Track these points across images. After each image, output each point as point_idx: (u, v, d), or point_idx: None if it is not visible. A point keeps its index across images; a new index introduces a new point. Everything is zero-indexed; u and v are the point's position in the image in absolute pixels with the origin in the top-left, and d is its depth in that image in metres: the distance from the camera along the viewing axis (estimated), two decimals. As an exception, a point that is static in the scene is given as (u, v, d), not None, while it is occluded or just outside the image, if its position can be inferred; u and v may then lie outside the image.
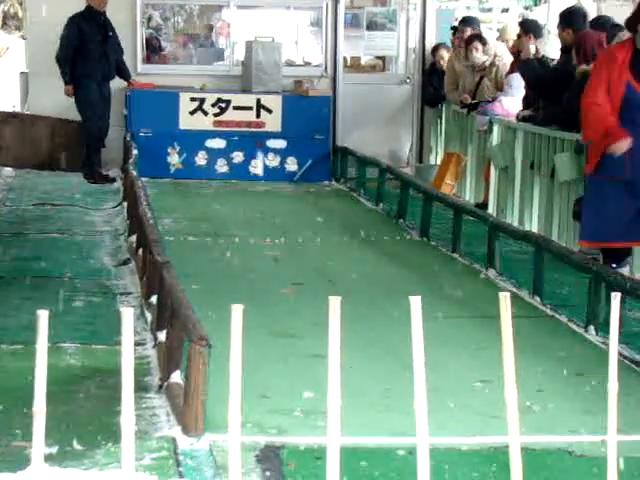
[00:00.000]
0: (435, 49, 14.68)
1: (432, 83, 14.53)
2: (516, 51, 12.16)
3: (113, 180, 13.62)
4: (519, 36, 11.93)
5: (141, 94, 14.12)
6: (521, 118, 10.89)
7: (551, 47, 11.55)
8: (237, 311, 2.55)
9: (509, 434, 2.65)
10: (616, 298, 2.73)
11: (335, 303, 2.59)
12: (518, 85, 11.43)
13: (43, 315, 2.38)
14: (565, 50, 10.34)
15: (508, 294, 2.69)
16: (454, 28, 14.02)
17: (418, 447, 2.60)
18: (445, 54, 14.18)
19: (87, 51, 13.52)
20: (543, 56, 11.38)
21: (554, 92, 10.03)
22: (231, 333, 2.54)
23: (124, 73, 13.97)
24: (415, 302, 2.62)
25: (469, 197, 12.64)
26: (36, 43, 14.68)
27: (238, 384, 2.53)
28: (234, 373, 2.52)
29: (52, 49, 14.04)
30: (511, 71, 11.89)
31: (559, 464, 4.52)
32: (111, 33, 13.75)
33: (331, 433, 2.54)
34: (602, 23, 10.22)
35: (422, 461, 2.59)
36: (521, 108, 11.08)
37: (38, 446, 2.36)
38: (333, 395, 2.54)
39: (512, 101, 11.58)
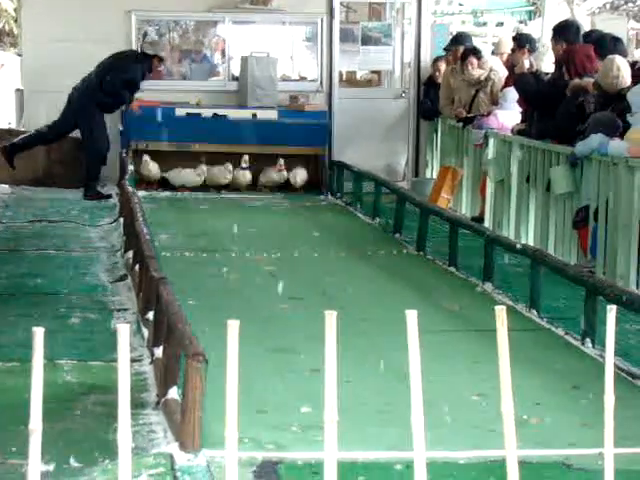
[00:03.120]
0: (435, 61, 14.68)
1: (429, 96, 14.56)
2: (510, 65, 12.20)
3: (109, 196, 13.62)
4: (514, 50, 11.97)
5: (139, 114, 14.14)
6: (515, 132, 10.92)
7: (544, 62, 11.56)
8: (233, 327, 2.55)
9: (506, 448, 2.65)
10: (612, 311, 2.74)
11: (331, 318, 2.59)
12: (512, 99, 11.46)
13: (39, 332, 2.38)
14: (559, 63, 10.38)
15: (504, 307, 2.69)
16: (447, 49, 14.04)
17: (415, 461, 2.60)
18: (444, 67, 14.19)
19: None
20: (537, 70, 11.41)
21: (548, 106, 10.06)
22: (227, 349, 2.54)
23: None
24: (411, 316, 2.62)
25: (465, 211, 12.65)
26: (31, 60, 14.70)
27: (235, 400, 2.52)
28: (230, 389, 2.52)
29: (47, 66, 14.06)
30: (506, 85, 11.92)
31: (557, 477, 4.51)
32: None
33: (328, 448, 2.54)
34: (594, 38, 10.24)
35: (419, 475, 2.59)
36: (518, 122, 11.12)
37: (34, 464, 2.36)
38: (329, 410, 2.54)
39: (507, 115, 11.60)
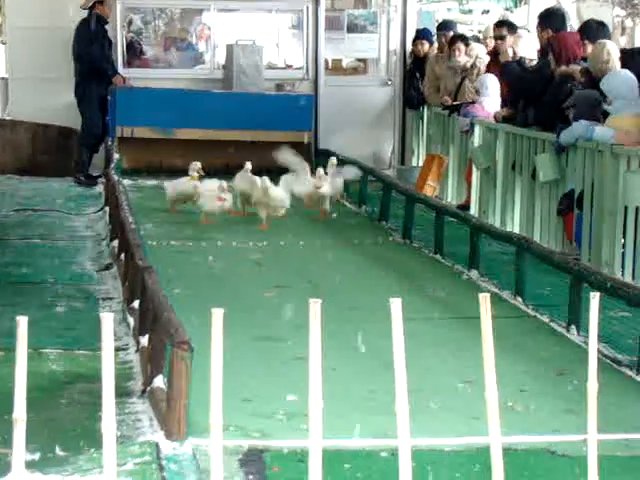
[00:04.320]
0: (415, 40, 14.58)
1: (413, 85, 14.55)
2: (493, 52, 12.19)
3: (99, 177, 13.64)
4: (498, 37, 11.93)
5: (126, 93, 14.12)
6: (500, 119, 10.92)
7: (519, 46, 11.53)
8: (217, 315, 2.55)
9: (490, 435, 2.65)
10: (595, 298, 2.74)
11: (315, 306, 2.59)
12: (492, 86, 11.48)
13: (23, 321, 2.38)
14: (544, 51, 10.37)
15: (488, 295, 2.70)
16: (438, 34, 14.04)
17: (400, 448, 2.60)
18: (426, 46, 14.11)
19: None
20: (521, 58, 11.41)
21: (534, 93, 10.07)
22: (212, 337, 2.54)
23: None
24: (396, 304, 2.62)
25: (451, 198, 12.66)
26: (16, 49, 14.64)
27: (219, 388, 2.52)
28: (215, 377, 2.52)
29: (32, 54, 14.01)
30: (487, 72, 11.93)
31: (541, 464, 4.53)
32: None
33: (313, 436, 2.55)
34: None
35: (404, 462, 2.60)
36: (498, 109, 11.14)
37: (19, 453, 2.35)
38: (314, 398, 2.55)
39: (492, 102, 11.60)
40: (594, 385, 2.71)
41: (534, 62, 10.90)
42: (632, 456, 4.62)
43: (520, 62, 10.83)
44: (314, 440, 2.54)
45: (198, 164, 11.31)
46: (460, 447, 4.55)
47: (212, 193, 10.56)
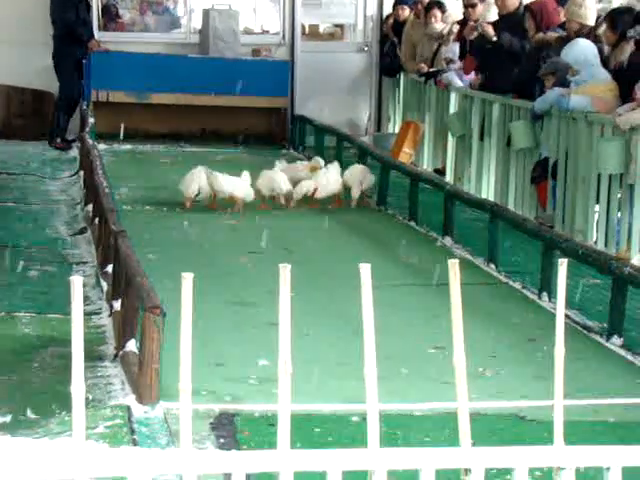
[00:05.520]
0: (395, 5, 14.50)
1: (390, 51, 14.50)
2: (463, 20, 12.10)
3: (74, 141, 13.58)
4: (469, 5, 11.85)
5: (102, 57, 14.04)
6: (477, 86, 10.94)
7: (491, 13, 11.45)
8: (187, 279, 2.56)
9: (458, 399, 2.68)
10: (562, 264, 2.76)
11: (285, 271, 2.60)
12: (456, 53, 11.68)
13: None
14: (519, 17, 10.34)
15: (457, 261, 2.71)
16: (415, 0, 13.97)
17: (368, 413, 2.63)
18: (407, 12, 14.04)
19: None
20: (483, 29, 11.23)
21: (506, 60, 10.13)
22: (182, 301, 2.55)
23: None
24: (365, 269, 2.64)
25: (427, 165, 12.68)
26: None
27: (189, 352, 2.53)
28: (184, 341, 2.53)
29: (6, 17, 13.89)
30: (457, 39, 11.97)
31: (510, 428, 4.58)
32: None
33: (282, 400, 2.56)
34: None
35: (372, 427, 2.62)
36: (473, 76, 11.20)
37: (-12, 415, 2.36)
38: (284, 362, 2.56)
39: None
40: (561, 350, 2.73)
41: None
42: (599, 421, 4.68)
43: (483, 37, 10.85)
44: (283, 404, 2.56)
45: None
46: (429, 412, 4.59)
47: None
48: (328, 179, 10.14)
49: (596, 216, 8.44)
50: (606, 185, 8.29)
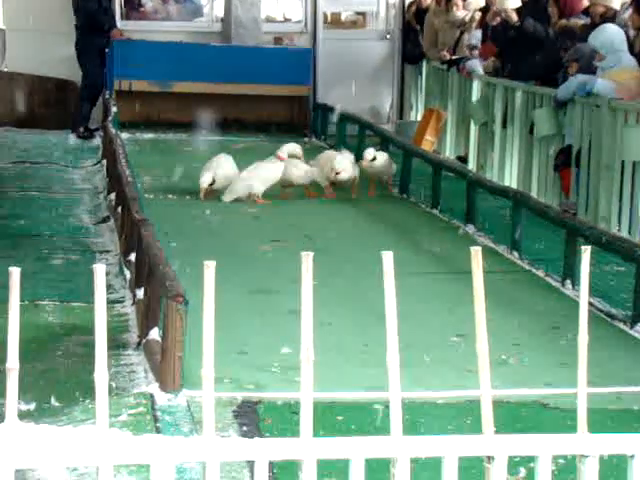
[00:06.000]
0: None
1: (412, 39, 14.46)
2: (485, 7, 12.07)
3: (97, 129, 13.62)
4: None
5: (124, 46, 14.06)
6: (492, 69, 10.92)
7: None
8: (210, 267, 2.56)
9: (481, 387, 2.67)
10: (586, 252, 2.75)
11: (308, 259, 2.60)
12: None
13: (15, 272, 2.39)
14: (543, 4, 10.32)
15: (479, 248, 2.70)
16: None
17: (391, 401, 2.62)
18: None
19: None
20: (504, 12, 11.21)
21: (528, 47, 10.09)
22: (204, 289, 2.55)
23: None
24: (387, 257, 2.63)
25: (449, 153, 12.64)
26: (13, 0, 14.55)
27: (211, 339, 2.54)
28: (207, 329, 2.54)
29: (29, 6, 13.93)
30: (479, 26, 11.93)
31: (534, 416, 4.57)
32: None
33: (304, 388, 2.57)
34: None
35: (395, 414, 2.62)
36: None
37: (12, 402, 2.37)
38: (306, 349, 2.56)
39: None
40: (585, 338, 2.72)
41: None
42: (623, 409, 4.66)
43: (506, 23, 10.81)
44: (305, 392, 2.56)
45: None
46: (452, 399, 4.58)
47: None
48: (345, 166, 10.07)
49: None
50: (630, 172, 8.25)
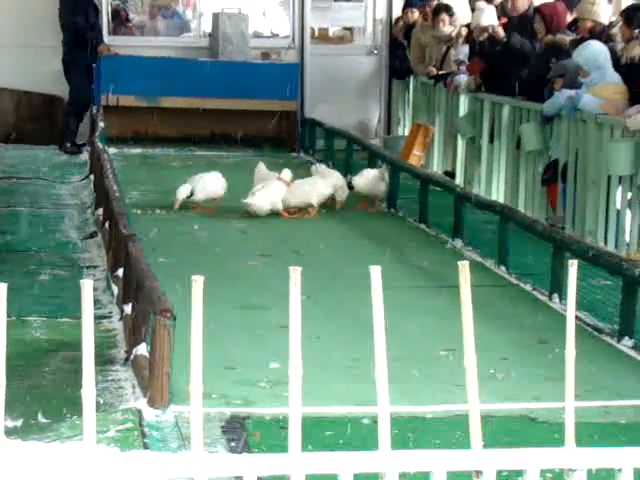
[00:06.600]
0: (405, 7, 14.51)
1: (397, 55, 14.51)
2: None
3: (84, 145, 13.61)
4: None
5: (111, 61, 14.06)
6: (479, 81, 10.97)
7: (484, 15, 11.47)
8: (198, 282, 2.56)
9: (469, 402, 2.67)
10: (573, 266, 2.76)
11: (295, 274, 2.60)
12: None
13: (2, 288, 2.38)
14: (530, 19, 10.36)
15: (467, 263, 2.71)
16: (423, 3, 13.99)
17: (379, 415, 2.63)
18: (416, 15, 14.05)
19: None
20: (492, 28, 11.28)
21: (510, 64, 10.15)
22: (192, 305, 2.55)
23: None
24: (375, 272, 2.64)
25: (437, 168, 12.66)
26: (0, 15, 14.55)
27: (199, 355, 2.54)
28: (195, 344, 2.53)
29: (16, 21, 13.93)
30: (465, 42, 11.98)
31: (521, 430, 4.57)
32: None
33: (293, 403, 2.56)
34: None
35: (383, 429, 2.62)
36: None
37: (-1, 418, 2.36)
38: (294, 365, 2.56)
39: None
40: (572, 352, 2.73)
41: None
42: (610, 422, 4.67)
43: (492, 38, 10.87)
44: (294, 407, 2.56)
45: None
46: (440, 414, 4.58)
47: None
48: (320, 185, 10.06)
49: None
50: (616, 186, 8.28)
